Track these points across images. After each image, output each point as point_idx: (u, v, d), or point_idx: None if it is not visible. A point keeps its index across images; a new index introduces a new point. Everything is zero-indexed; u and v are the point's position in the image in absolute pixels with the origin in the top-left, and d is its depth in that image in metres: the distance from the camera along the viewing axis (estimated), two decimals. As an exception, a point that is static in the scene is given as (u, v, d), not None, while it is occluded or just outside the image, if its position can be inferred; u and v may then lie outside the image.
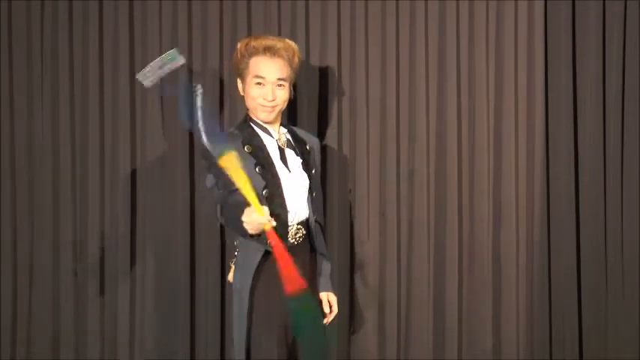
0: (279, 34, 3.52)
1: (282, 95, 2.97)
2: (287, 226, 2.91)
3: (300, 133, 3.13)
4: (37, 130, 3.69)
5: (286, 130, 3.06)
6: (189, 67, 3.62)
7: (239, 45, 3.01)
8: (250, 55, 2.97)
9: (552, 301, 3.57)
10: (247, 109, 3.04)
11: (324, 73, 3.60)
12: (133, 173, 3.66)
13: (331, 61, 3.60)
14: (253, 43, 2.97)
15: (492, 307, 3.58)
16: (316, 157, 3.12)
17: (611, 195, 3.54)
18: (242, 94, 3.04)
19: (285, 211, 2.90)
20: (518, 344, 3.58)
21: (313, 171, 3.04)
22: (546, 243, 3.57)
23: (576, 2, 3.54)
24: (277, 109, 2.98)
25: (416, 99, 3.59)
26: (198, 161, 3.59)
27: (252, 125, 2.99)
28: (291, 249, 2.89)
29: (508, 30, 3.57)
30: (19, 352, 3.71)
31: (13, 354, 3.71)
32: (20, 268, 3.71)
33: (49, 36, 3.67)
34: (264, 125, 2.99)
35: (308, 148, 3.07)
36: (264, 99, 2.94)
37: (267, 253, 2.85)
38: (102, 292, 3.68)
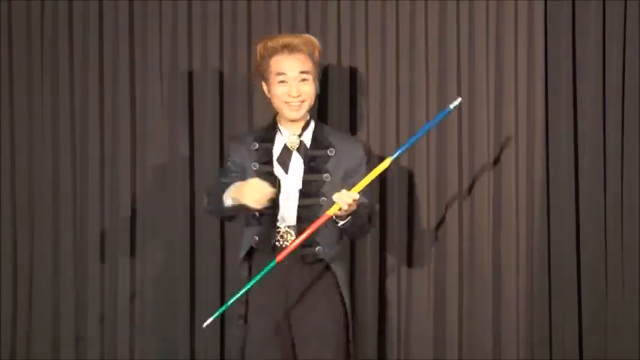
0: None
1: (307, 90, 2.88)
2: (275, 226, 2.88)
3: (333, 136, 2.97)
4: (37, 130, 3.69)
5: (311, 130, 2.95)
6: (189, 67, 3.63)
7: (258, 47, 2.94)
8: (270, 55, 2.90)
9: (552, 301, 3.56)
10: (275, 112, 2.95)
11: (323, 73, 3.59)
12: (133, 173, 3.67)
13: (331, 61, 3.59)
14: (270, 43, 2.91)
15: (492, 307, 3.58)
16: (341, 163, 2.92)
17: (611, 195, 3.53)
18: (268, 96, 2.94)
19: (275, 212, 2.87)
20: (518, 344, 3.57)
21: (324, 176, 2.90)
22: (546, 243, 3.57)
23: (576, 2, 3.53)
24: (305, 104, 2.88)
25: (416, 99, 3.59)
26: (198, 160, 3.61)
27: (274, 125, 2.95)
28: (280, 251, 2.83)
29: (508, 30, 3.57)
30: (19, 352, 3.71)
31: (13, 354, 3.71)
32: (20, 268, 3.71)
33: (49, 36, 3.67)
34: (282, 127, 2.93)
35: (329, 152, 2.92)
36: (289, 95, 2.86)
37: (252, 249, 2.88)
38: (102, 292, 3.68)
